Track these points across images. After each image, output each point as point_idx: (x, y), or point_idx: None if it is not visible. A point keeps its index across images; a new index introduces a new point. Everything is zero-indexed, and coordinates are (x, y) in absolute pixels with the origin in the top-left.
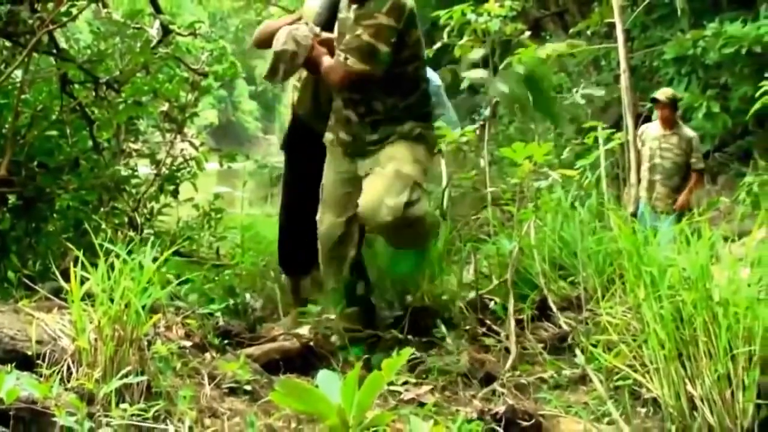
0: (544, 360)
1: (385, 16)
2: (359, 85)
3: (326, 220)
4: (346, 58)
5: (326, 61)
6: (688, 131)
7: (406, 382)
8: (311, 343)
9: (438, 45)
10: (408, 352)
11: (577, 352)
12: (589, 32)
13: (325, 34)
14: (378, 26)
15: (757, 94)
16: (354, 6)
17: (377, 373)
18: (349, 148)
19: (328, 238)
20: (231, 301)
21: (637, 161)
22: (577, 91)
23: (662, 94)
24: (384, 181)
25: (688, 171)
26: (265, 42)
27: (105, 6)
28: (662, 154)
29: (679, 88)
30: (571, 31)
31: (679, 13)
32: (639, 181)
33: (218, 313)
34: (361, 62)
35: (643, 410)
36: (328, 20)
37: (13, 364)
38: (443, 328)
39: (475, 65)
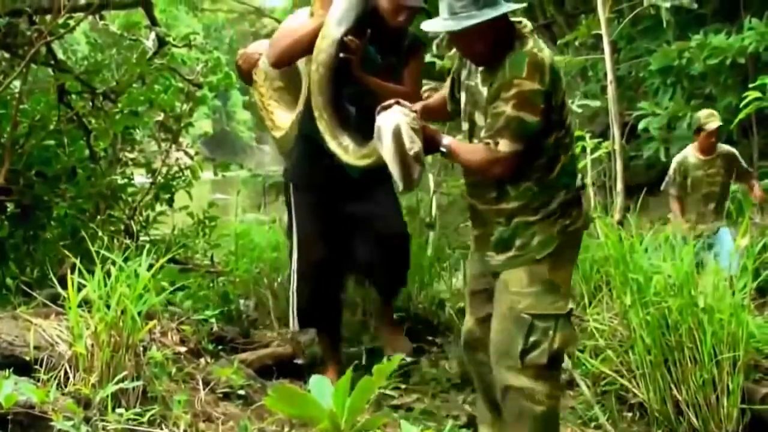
0: None
1: (527, 80)
2: None
3: (467, 317)
4: (496, 143)
5: (464, 147)
6: (724, 147)
7: (397, 388)
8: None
9: (428, 57)
10: (398, 358)
11: (565, 357)
12: (576, 43)
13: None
14: (521, 95)
15: (741, 105)
16: (481, 69)
17: (368, 378)
18: (478, 245)
19: (463, 340)
20: (225, 308)
21: (678, 194)
22: (572, 102)
23: (712, 121)
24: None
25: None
26: (293, 57)
27: (102, 18)
28: (710, 180)
29: (664, 98)
30: (558, 42)
31: (664, 24)
32: (682, 209)
33: (213, 320)
34: (513, 142)
35: (630, 415)
36: (356, 24)
37: (12, 370)
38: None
39: None
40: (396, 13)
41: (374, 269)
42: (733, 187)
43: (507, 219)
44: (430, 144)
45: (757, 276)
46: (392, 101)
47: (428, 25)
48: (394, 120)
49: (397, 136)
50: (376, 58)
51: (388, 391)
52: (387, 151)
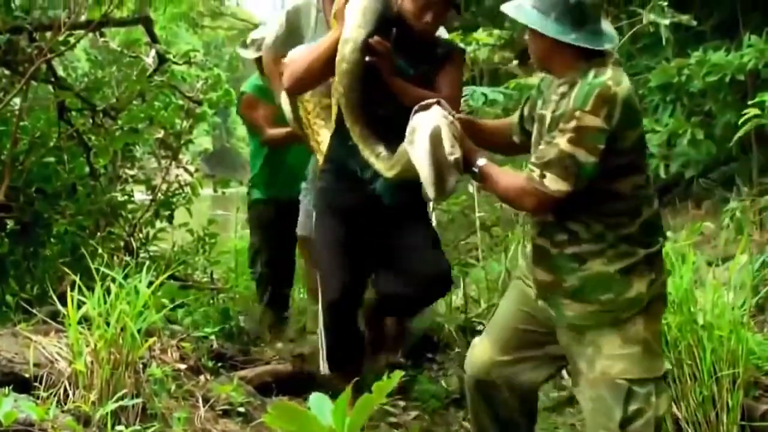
0: None
1: (589, 114)
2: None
3: (482, 347)
4: (542, 176)
5: (501, 172)
6: None
7: (395, 405)
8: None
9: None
10: (399, 375)
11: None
12: None
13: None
14: (579, 129)
15: (741, 122)
16: (554, 97)
17: (368, 396)
18: (545, 292)
19: (473, 370)
20: (225, 325)
21: None
22: None
23: None
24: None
25: None
26: (312, 79)
27: (102, 35)
28: None
29: (664, 115)
30: None
31: (663, 42)
32: None
33: (212, 336)
34: (562, 180)
35: None
36: (379, 24)
37: (11, 387)
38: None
39: None
40: (421, 13)
41: (404, 303)
42: (732, 204)
43: (580, 263)
44: (464, 160)
45: (756, 292)
46: (432, 100)
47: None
48: (434, 120)
49: (436, 138)
50: (408, 70)
51: (387, 407)
52: (421, 154)
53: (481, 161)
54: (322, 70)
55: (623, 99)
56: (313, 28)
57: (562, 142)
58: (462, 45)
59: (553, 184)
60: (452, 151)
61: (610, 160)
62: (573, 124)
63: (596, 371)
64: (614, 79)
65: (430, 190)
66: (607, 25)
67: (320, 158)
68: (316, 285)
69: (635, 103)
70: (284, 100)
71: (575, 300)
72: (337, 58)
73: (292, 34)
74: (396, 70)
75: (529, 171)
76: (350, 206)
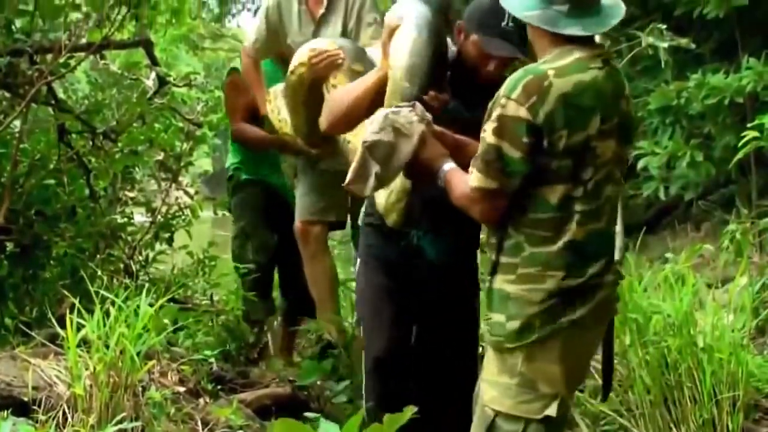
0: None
1: (513, 102)
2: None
3: None
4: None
5: (462, 180)
6: None
7: None
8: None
9: None
10: (411, 410)
11: None
12: None
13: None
14: (501, 118)
15: (740, 144)
16: None
17: (377, 425)
18: None
19: None
20: (225, 347)
21: None
22: None
23: None
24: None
25: None
26: (351, 122)
27: (102, 58)
28: None
29: (663, 137)
30: None
31: (662, 64)
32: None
33: (212, 359)
34: (485, 177)
35: None
36: (433, 71)
37: (10, 410)
38: None
39: None
40: (485, 61)
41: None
42: (732, 226)
43: (491, 273)
44: (429, 167)
45: (756, 315)
46: (412, 103)
47: None
48: (384, 111)
49: (371, 120)
50: (462, 113)
51: None
52: (364, 136)
53: (447, 166)
54: (363, 114)
55: (563, 94)
56: (296, 23)
57: (488, 133)
58: None
59: (475, 181)
60: (379, 135)
61: (539, 160)
62: (497, 112)
63: (478, 388)
64: (562, 70)
65: (348, 176)
66: (609, 11)
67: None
68: (325, 286)
69: (586, 104)
70: (271, 113)
71: (484, 309)
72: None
73: (272, 34)
74: (445, 121)
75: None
76: (392, 260)
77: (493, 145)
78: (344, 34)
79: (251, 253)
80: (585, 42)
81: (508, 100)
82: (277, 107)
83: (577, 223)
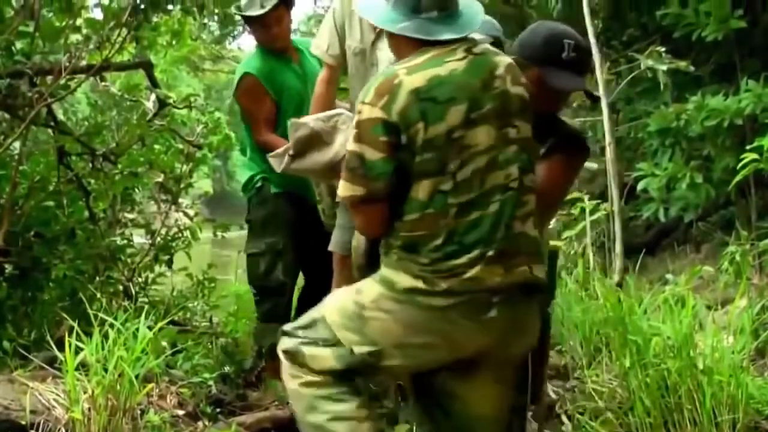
0: (533, 430)
1: (367, 106)
2: None
3: None
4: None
5: None
6: None
7: None
8: None
9: None
10: (405, 428)
11: (564, 419)
12: (575, 105)
13: None
14: (359, 124)
15: (739, 166)
16: None
17: None
18: None
19: None
20: (224, 370)
21: None
22: None
23: None
24: None
25: None
26: None
27: (102, 79)
28: None
29: (663, 159)
30: None
31: (662, 87)
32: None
33: (211, 382)
34: (349, 183)
35: None
36: None
37: None
38: None
39: None
40: (549, 95)
41: None
42: (731, 248)
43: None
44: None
45: (756, 336)
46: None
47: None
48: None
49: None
50: None
51: None
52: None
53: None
54: None
55: (415, 89)
56: (358, 30)
57: (350, 142)
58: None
59: (342, 190)
60: (304, 120)
61: (401, 157)
62: (355, 119)
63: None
64: (413, 68)
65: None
66: (468, 10)
67: None
68: None
69: (443, 96)
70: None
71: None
72: None
73: (342, 39)
74: None
75: None
76: None
77: (354, 152)
78: None
79: (281, 273)
80: (445, 43)
81: (363, 105)
82: None
83: (455, 215)
